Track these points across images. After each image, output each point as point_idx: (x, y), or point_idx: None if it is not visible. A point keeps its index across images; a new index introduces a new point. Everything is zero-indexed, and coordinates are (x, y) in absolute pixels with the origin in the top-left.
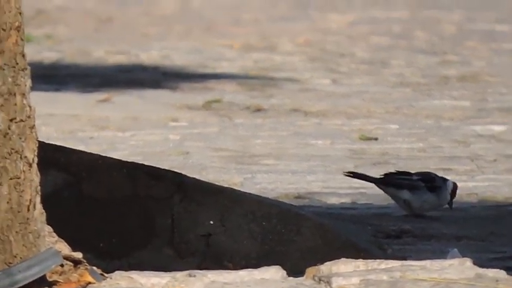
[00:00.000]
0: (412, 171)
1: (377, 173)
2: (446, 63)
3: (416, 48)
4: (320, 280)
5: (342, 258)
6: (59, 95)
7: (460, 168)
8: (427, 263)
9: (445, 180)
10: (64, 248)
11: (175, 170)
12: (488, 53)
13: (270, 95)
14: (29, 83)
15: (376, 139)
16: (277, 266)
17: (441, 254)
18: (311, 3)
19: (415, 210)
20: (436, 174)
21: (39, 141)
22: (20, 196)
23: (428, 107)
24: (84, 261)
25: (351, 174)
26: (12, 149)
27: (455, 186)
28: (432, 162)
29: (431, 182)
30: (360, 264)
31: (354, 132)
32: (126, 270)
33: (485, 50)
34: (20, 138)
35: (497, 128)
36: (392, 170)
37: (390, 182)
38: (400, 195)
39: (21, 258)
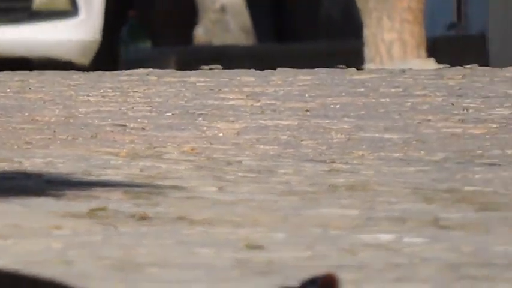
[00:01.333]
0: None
1: (263, 282)
2: (334, 172)
3: (304, 156)
4: None
5: None
6: None
7: (347, 276)
8: None
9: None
10: None
11: (57, 279)
12: (377, 162)
13: (155, 203)
14: None
15: (262, 248)
16: None
17: None
18: (198, 112)
19: None
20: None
21: None
22: None
23: (316, 216)
24: None
25: None
26: None
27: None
28: (319, 271)
29: None
30: None
31: (240, 241)
32: None
33: (373, 158)
34: None
35: (385, 237)
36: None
37: None
38: None
39: None
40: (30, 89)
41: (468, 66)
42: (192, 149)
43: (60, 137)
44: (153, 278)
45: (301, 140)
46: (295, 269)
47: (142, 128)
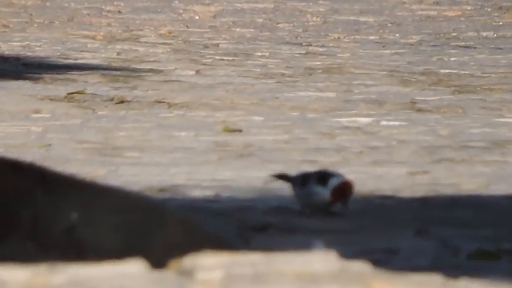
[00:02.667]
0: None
1: (241, 165)
2: (310, 55)
3: (281, 39)
4: (183, 273)
5: (206, 251)
6: None
7: (325, 160)
8: (291, 256)
9: (326, 177)
10: None
11: (38, 163)
12: (353, 45)
13: (133, 87)
14: None
15: (240, 131)
16: (140, 260)
17: (305, 247)
18: None
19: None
20: (327, 172)
21: None
22: None
23: (293, 99)
24: None
25: (276, 177)
26: None
27: (341, 186)
28: (297, 154)
29: (305, 178)
30: (224, 257)
31: (218, 124)
32: None
33: (349, 41)
34: None
35: (363, 120)
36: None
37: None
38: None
39: None
40: None
41: None
42: (169, 32)
43: (37, 20)
44: (132, 162)
45: (277, 23)
46: (274, 152)
47: (119, 11)
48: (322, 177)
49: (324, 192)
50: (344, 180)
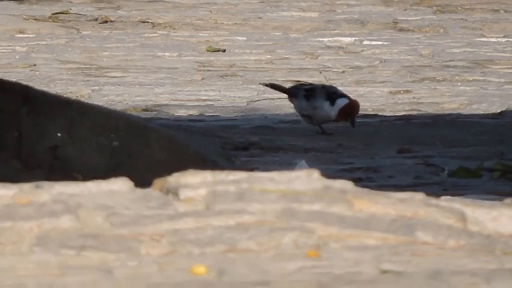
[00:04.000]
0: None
1: (224, 84)
2: None
3: None
4: (168, 191)
5: (190, 170)
6: None
7: (308, 80)
8: (274, 174)
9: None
10: None
11: (23, 82)
12: None
13: (117, 7)
14: None
15: (223, 51)
16: (125, 178)
17: (289, 166)
18: None
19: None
20: (334, 90)
21: None
22: None
23: (276, 19)
24: None
25: (268, 85)
26: None
27: (348, 107)
28: (280, 74)
29: (311, 91)
30: (208, 175)
31: (202, 44)
32: None
33: None
34: None
35: (345, 40)
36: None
37: (286, 92)
38: (292, 103)
39: None
40: None
41: None
42: None
43: None
44: (115, 81)
45: None
46: (257, 72)
47: None
48: (331, 94)
49: (330, 110)
50: (350, 101)
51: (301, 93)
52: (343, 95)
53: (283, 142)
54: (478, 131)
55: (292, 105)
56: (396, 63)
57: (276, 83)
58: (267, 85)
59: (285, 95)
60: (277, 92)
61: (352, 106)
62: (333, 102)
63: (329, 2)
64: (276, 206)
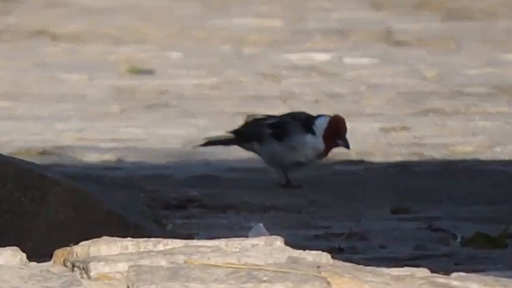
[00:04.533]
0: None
1: (152, 119)
2: None
3: None
4: (74, 266)
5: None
6: None
7: (269, 111)
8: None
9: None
10: None
11: None
12: None
13: (5, 12)
14: None
15: (151, 72)
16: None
17: (241, 231)
18: None
19: (273, 167)
20: (305, 113)
21: None
22: None
23: (224, 28)
24: None
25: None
26: None
27: (333, 122)
28: (229, 104)
29: (280, 127)
30: (129, 244)
31: (122, 63)
32: None
33: None
34: None
35: (320, 57)
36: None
37: (241, 135)
38: (252, 149)
39: None
40: None
41: None
42: None
43: None
44: (3, 114)
45: None
46: (198, 101)
47: None
48: (306, 122)
49: (316, 142)
50: (331, 117)
51: (265, 132)
52: (318, 115)
53: (233, 198)
54: (501, 183)
55: (252, 153)
56: (390, 89)
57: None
58: (204, 145)
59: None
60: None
61: (338, 120)
62: (313, 130)
63: (297, 5)
64: (225, 287)
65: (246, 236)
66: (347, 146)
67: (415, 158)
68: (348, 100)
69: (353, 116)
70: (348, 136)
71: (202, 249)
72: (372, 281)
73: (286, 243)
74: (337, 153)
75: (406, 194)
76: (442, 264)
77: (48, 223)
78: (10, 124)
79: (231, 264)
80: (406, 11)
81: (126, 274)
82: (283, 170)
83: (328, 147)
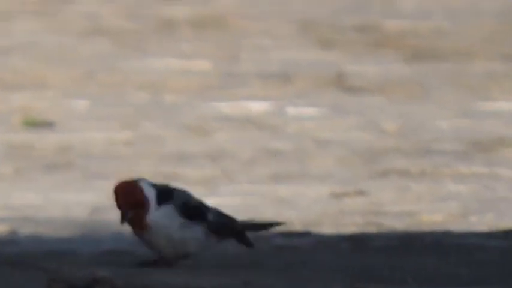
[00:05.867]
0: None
1: (52, 181)
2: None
3: None
4: None
5: None
6: None
7: (196, 174)
8: None
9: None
10: None
11: None
12: None
13: None
14: None
15: (51, 124)
16: None
17: None
18: None
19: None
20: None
21: None
22: None
23: (141, 71)
24: None
25: None
26: None
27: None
28: (147, 165)
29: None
30: None
31: (15, 113)
32: None
33: None
34: None
35: (257, 106)
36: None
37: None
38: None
39: None
40: None
41: None
42: None
43: None
44: None
45: None
46: (108, 160)
47: None
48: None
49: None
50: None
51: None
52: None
53: (151, 278)
54: (478, 261)
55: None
56: (342, 146)
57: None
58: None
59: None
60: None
61: (114, 191)
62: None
63: (230, 43)
64: None
65: None
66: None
67: (372, 230)
68: (291, 159)
69: (297, 178)
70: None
71: None
72: None
73: None
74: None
75: (362, 273)
76: None
77: None
78: None
79: None
80: (361, 50)
81: None
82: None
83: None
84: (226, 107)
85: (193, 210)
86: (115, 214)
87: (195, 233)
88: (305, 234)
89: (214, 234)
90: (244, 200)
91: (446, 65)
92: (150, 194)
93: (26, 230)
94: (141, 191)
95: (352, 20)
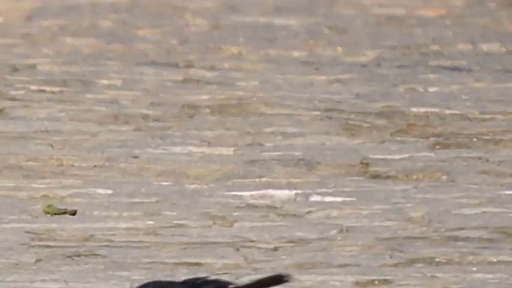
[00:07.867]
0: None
1: (75, 271)
2: (192, 83)
3: (142, 56)
4: None
5: None
6: None
7: (217, 263)
8: None
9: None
10: None
11: None
12: (264, 66)
13: None
14: None
15: (73, 213)
16: None
17: None
18: None
19: None
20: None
21: None
22: None
23: (162, 158)
24: None
25: None
26: None
27: None
28: (169, 254)
29: None
30: None
31: (36, 202)
32: None
33: (258, 60)
34: None
35: (280, 194)
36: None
37: None
38: None
39: None
40: None
41: None
42: None
43: None
44: None
45: (137, 29)
46: (130, 249)
47: None
48: None
49: None
50: None
51: None
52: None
53: None
54: None
55: None
56: (367, 234)
57: None
58: None
59: None
60: None
61: None
62: None
63: (252, 130)
64: None
65: None
66: None
67: None
68: (315, 247)
69: (321, 267)
70: None
71: None
72: None
73: None
74: None
75: None
76: None
77: None
78: None
79: None
80: (386, 137)
81: None
82: None
83: None
84: (248, 195)
85: None
86: None
87: None
88: None
89: None
90: None
91: (472, 152)
92: None
93: None
94: None
95: (377, 106)
